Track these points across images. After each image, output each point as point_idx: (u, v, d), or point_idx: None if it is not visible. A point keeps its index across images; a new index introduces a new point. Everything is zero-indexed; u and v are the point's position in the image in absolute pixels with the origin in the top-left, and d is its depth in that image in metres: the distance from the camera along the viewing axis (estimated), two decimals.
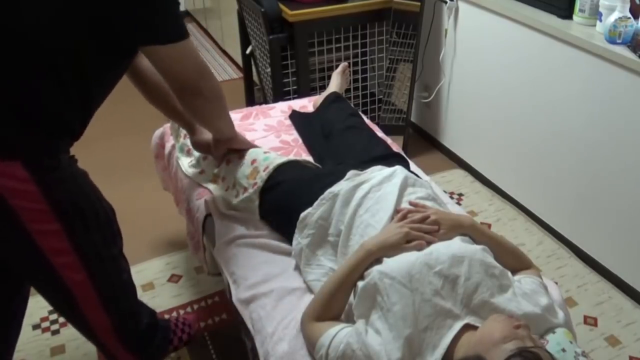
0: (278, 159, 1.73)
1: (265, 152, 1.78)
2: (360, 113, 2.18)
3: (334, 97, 2.19)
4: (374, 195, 1.47)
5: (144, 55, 1.31)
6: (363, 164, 1.65)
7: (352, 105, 2.28)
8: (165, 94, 1.61)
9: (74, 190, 1.31)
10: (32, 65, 1.17)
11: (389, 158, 1.80)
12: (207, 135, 1.78)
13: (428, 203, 1.46)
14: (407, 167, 1.74)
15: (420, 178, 1.62)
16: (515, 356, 1.02)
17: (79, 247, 1.33)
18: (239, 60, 3.56)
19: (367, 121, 2.14)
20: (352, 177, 1.56)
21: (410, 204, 1.44)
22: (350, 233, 1.44)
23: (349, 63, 2.64)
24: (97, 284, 1.40)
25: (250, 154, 1.77)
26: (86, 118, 1.33)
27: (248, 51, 3.18)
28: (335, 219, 1.48)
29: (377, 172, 1.55)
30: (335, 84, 2.30)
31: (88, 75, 1.25)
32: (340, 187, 1.52)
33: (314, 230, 1.50)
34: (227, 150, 1.80)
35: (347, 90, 2.92)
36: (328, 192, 1.52)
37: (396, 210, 1.41)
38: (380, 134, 2.09)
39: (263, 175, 1.68)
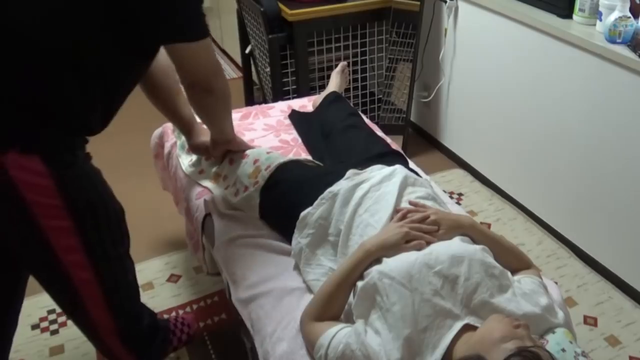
0: (280, 158, 1.73)
1: (267, 152, 1.78)
2: (360, 113, 2.18)
3: (333, 97, 2.19)
4: (374, 194, 1.47)
5: (162, 48, 1.31)
6: (363, 163, 1.64)
7: (351, 104, 2.28)
8: (167, 95, 1.61)
9: (87, 188, 1.31)
10: (54, 63, 1.16)
11: (387, 155, 1.79)
12: (204, 138, 1.78)
13: (428, 202, 1.46)
14: (405, 165, 1.74)
15: (420, 177, 1.62)
16: (515, 356, 1.01)
17: (88, 245, 1.33)
18: (239, 60, 3.56)
19: (367, 121, 2.13)
20: (351, 176, 1.56)
21: (410, 203, 1.43)
22: (349, 233, 1.43)
23: (349, 62, 2.64)
24: (102, 283, 1.40)
25: (253, 154, 1.77)
26: (108, 117, 1.33)
27: (247, 51, 3.18)
28: (335, 219, 1.48)
29: (377, 172, 1.55)
30: (334, 83, 2.30)
31: (109, 74, 1.25)
32: (340, 186, 1.52)
33: (313, 229, 1.49)
34: (226, 152, 1.80)
35: (347, 90, 2.92)
36: (328, 192, 1.52)
37: (396, 210, 1.41)
38: (380, 133, 2.08)
39: (265, 174, 1.68)
